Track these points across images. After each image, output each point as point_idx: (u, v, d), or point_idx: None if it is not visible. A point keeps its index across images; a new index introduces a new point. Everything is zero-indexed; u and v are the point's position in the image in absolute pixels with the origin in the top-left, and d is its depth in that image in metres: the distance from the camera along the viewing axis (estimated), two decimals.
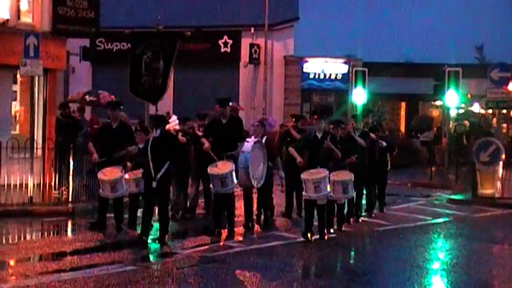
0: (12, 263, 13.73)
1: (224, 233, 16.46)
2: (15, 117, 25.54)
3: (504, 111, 30.23)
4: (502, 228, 20.85)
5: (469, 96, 39.28)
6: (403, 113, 48.99)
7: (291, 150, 16.56)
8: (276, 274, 13.28)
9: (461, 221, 21.31)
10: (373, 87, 31.65)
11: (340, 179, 16.50)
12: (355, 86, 29.70)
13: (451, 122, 31.79)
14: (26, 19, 25.28)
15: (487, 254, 16.56)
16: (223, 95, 36.78)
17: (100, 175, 16.58)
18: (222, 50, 43.63)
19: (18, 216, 18.19)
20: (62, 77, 27.65)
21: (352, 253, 16.16)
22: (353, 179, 16.77)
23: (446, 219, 21.30)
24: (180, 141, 17.43)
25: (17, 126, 25.15)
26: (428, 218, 21.14)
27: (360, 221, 19.13)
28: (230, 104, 18.32)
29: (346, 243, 16.77)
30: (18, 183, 19.92)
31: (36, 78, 22.32)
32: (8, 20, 24.18)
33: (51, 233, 16.70)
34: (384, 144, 20.48)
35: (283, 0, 42.64)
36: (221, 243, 15.91)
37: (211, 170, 16.09)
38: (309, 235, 15.90)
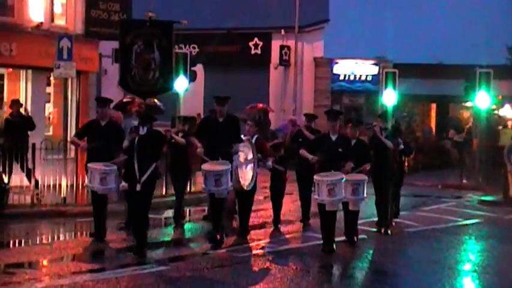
0: (46, 262, 13.82)
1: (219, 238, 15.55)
2: (49, 118, 25.76)
3: None
4: None
5: (500, 97, 39.01)
6: (433, 114, 48.82)
7: (302, 152, 15.47)
8: (304, 274, 13.32)
9: (493, 222, 21.21)
10: (403, 89, 31.47)
11: (351, 179, 15.12)
12: (385, 88, 29.56)
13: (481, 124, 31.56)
14: (60, 22, 25.53)
15: None
16: (253, 96, 37.07)
17: (90, 164, 15.28)
18: (253, 51, 43.73)
19: (52, 216, 18.30)
20: (94, 79, 27.82)
21: (382, 254, 16.09)
22: (366, 181, 15.59)
23: (477, 220, 21.20)
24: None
25: (51, 128, 25.36)
26: (459, 219, 21.05)
27: (389, 232, 17.80)
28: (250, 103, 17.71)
29: (376, 243, 16.73)
30: (51, 184, 20.07)
31: (70, 80, 22.44)
32: (42, 23, 24.43)
33: (84, 233, 16.75)
34: (401, 146, 19.07)
35: (314, 2, 42.62)
36: (249, 244, 15.91)
37: (204, 166, 15.06)
38: (334, 246, 14.90)
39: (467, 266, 15.27)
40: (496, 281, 13.76)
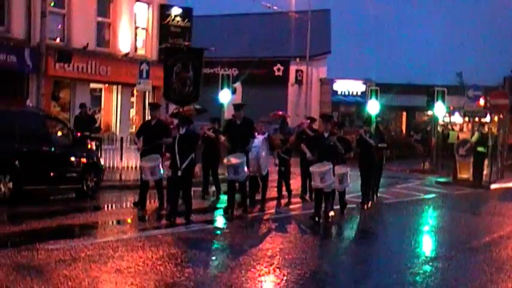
0: (129, 220, 13.88)
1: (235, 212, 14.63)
2: (132, 120, 25.91)
3: (476, 119, 29.83)
4: (473, 202, 20.61)
5: (451, 108, 38.78)
6: (404, 120, 48.68)
7: (303, 146, 14.91)
8: (311, 230, 13.28)
9: (445, 197, 21.10)
10: (383, 101, 31.27)
11: (338, 173, 14.27)
12: (370, 100, 29.41)
13: (438, 127, 31.38)
14: (141, 52, 25.74)
15: (462, 220, 16.36)
16: (276, 106, 36.97)
17: (141, 163, 14.75)
18: (276, 74, 43.76)
19: (133, 188, 18.26)
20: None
21: (366, 218, 15.98)
22: (348, 173, 14.89)
23: (433, 195, 21.09)
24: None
25: (133, 126, 25.49)
26: (421, 194, 20.97)
27: (369, 206, 17.10)
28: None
29: (362, 211, 16.50)
30: (133, 166, 20.15)
31: (147, 92, 22.58)
32: (128, 52, 24.59)
33: (155, 201, 16.81)
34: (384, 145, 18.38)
35: (319, 39, 42.51)
36: (271, 210, 15.85)
37: (226, 161, 14.45)
38: (316, 218, 13.86)
39: (426, 227, 15.20)
40: (446, 238, 13.67)
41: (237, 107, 15.20)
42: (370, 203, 17.18)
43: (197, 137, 14.02)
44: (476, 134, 25.77)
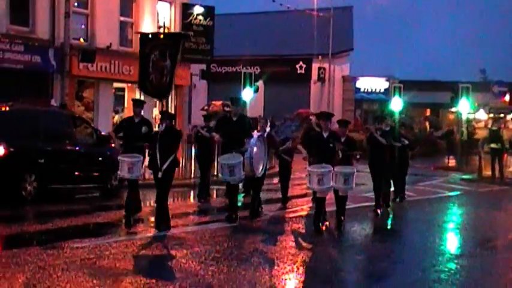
0: (152, 218, 13.74)
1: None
2: (155, 118, 25.97)
3: (501, 115, 29.55)
4: (499, 199, 20.44)
5: (476, 104, 38.46)
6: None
7: (299, 146, 13.43)
8: (327, 232, 13.09)
9: (469, 194, 20.92)
10: (406, 98, 31.07)
11: (343, 171, 12.57)
12: (393, 97, 29.26)
13: (463, 124, 31.11)
14: None
15: (489, 217, 16.24)
16: (298, 104, 37.00)
17: (120, 157, 12.95)
18: (298, 71, 43.75)
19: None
20: (187, 90, 28.03)
21: (388, 216, 15.84)
22: (355, 173, 12.84)
23: (458, 192, 20.94)
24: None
25: (156, 125, 25.51)
26: (446, 191, 20.82)
27: (378, 212, 15.31)
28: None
29: (384, 210, 16.20)
30: None
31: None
32: None
33: (179, 199, 16.82)
34: (406, 142, 17.09)
35: (342, 36, 42.43)
36: (287, 210, 15.74)
37: (220, 159, 13.25)
38: (320, 225, 12.55)
39: (451, 225, 15.07)
40: (471, 235, 13.56)
41: (234, 100, 13.90)
42: (380, 208, 15.45)
43: (178, 134, 12.79)
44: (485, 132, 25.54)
